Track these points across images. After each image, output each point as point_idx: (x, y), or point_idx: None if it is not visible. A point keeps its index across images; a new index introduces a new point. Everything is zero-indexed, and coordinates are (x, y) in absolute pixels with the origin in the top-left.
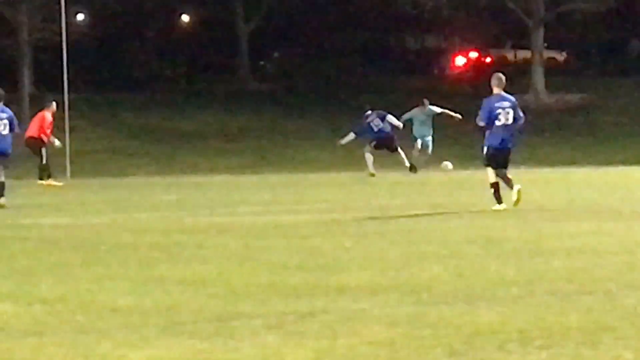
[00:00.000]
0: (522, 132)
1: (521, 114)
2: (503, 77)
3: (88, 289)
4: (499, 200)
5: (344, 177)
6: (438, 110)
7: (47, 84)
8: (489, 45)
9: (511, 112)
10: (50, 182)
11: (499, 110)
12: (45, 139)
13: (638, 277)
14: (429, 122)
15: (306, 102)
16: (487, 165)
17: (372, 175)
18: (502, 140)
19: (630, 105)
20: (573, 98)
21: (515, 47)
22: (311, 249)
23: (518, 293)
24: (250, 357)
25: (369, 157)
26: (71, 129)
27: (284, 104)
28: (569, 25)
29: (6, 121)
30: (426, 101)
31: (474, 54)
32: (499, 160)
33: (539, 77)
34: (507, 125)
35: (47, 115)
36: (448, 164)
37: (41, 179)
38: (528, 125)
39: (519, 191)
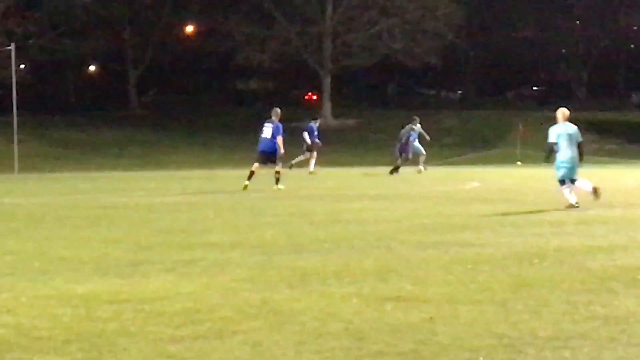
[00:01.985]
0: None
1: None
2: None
3: (40, 245)
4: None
5: (201, 173)
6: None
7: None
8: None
9: (270, 128)
10: None
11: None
12: None
13: (407, 237)
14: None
15: (173, 123)
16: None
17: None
18: (264, 144)
19: (388, 127)
20: (350, 122)
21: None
22: (187, 219)
23: (329, 247)
24: (157, 290)
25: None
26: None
27: (158, 124)
28: (353, 73)
29: None
30: (415, 119)
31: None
32: (263, 158)
33: (327, 108)
34: (267, 137)
35: None
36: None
37: None
38: (326, 140)
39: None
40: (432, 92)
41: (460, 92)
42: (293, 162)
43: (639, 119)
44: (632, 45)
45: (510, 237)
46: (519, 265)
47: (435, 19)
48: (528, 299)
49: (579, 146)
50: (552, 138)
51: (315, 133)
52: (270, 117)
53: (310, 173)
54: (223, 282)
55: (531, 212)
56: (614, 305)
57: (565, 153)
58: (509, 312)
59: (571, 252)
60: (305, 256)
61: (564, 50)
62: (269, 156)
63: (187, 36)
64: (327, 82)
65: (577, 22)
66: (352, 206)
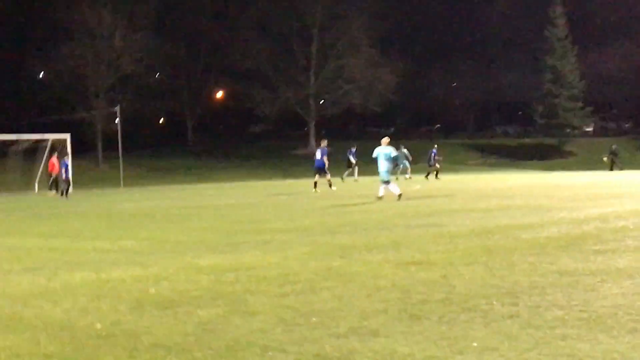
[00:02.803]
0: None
1: (325, 152)
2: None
3: (161, 233)
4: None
5: (239, 184)
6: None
7: (109, 149)
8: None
9: (320, 152)
10: (53, 193)
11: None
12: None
13: (396, 221)
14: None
15: (215, 153)
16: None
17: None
18: (317, 163)
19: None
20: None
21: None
22: (249, 213)
23: (349, 230)
24: (253, 261)
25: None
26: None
27: (206, 154)
28: (328, 119)
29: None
30: (401, 146)
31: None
32: (319, 171)
33: (312, 141)
34: (318, 158)
35: (54, 160)
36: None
37: (50, 189)
38: (310, 162)
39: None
40: (376, 129)
41: (392, 128)
42: (353, 176)
43: (504, 142)
44: (484, 96)
45: (462, 219)
46: (479, 238)
47: (380, 84)
48: (500, 261)
49: (394, 160)
50: (374, 154)
51: (353, 155)
52: (320, 145)
53: (355, 180)
54: (294, 254)
55: (465, 203)
56: (559, 263)
57: (382, 165)
58: (492, 270)
59: (508, 229)
60: (338, 236)
61: (457, 102)
62: (321, 170)
63: (222, 98)
64: (312, 125)
65: (455, 84)
66: (351, 202)
